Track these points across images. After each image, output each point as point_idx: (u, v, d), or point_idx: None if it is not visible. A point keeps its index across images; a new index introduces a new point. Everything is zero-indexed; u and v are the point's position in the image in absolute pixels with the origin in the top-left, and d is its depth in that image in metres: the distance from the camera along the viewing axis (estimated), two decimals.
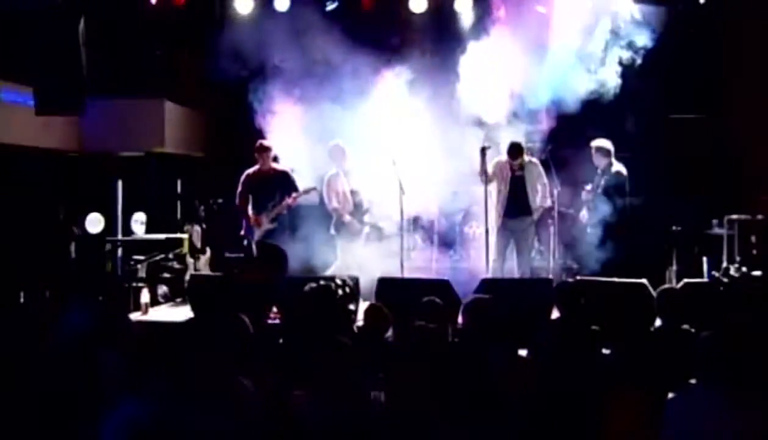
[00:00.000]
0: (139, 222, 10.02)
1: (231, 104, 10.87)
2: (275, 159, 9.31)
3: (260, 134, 9.66)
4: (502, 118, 9.84)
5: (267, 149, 9.17)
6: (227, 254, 10.00)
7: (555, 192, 9.42)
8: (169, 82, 10.88)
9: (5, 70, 9.28)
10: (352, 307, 6.16)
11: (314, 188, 9.24)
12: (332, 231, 9.39)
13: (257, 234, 9.04)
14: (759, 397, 3.25)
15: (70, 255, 9.65)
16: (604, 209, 9.03)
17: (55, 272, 8.68)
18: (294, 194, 9.05)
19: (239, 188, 9.20)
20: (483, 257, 9.08)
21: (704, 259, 9.25)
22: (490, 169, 8.96)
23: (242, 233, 9.22)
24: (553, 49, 9.78)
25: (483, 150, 8.90)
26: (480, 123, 9.88)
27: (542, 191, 9.10)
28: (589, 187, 9.14)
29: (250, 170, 9.18)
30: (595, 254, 9.10)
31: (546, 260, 9.92)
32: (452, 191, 10.37)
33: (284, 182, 9.13)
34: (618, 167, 9.09)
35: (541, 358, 4.18)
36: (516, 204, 8.94)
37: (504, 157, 9.04)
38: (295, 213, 9.43)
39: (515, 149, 8.98)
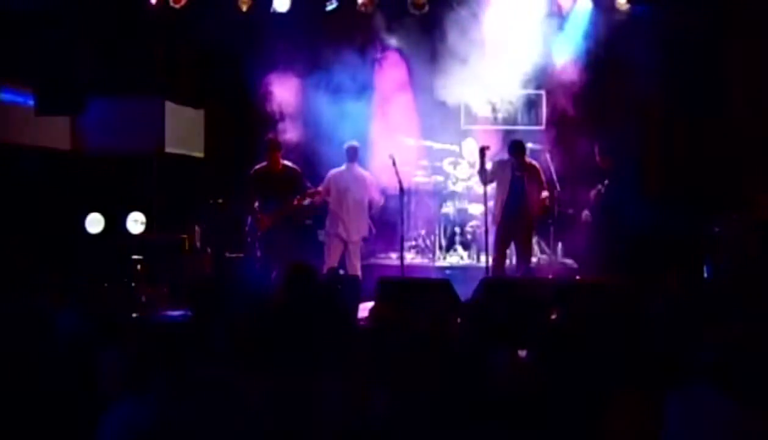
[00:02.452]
0: (135, 222, 10.00)
1: (231, 104, 10.87)
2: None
3: (261, 134, 9.63)
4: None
5: (277, 146, 9.01)
6: (227, 254, 10.01)
7: (555, 193, 9.43)
8: (169, 82, 10.87)
9: (5, 70, 9.27)
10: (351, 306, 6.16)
11: (319, 192, 9.11)
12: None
13: (260, 234, 8.96)
14: (760, 397, 3.24)
15: (70, 256, 9.64)
16: (606, 209, 9.04)
17: (56, 273, 8.66)
18: (300, 198, 8.87)
19: (247, 185, 9.06)
20: (483, 257, 9.08)
21: (704, 259, 9.24)
22: (489, 168, 8.92)
23: (246, 230, 9.14)
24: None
25: (482, 150, 8.87)
26: (480, 121, 9.92)
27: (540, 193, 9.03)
28: (600, 187, 9.12)
29: (259, 167, 8.96)
30: (596, 255, 9.11)
31: (547, 260, 9.93)
32: (452, 190, 10.38)
33: (293, 181, 8.89)
34: (619, 168, 9.11)
35: (541, 359, 4.17)
36: (515, 204, 8.85)
37: (504, 156, 8.99)
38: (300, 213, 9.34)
39: (517, 147, 8.90)
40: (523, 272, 8.89)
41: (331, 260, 9.03)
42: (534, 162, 9.09)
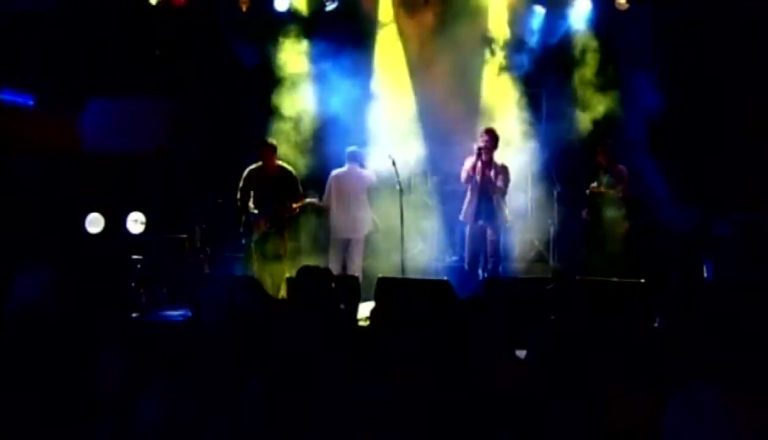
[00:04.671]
0: (135, 221, 9.99)
1: (231, 104, 10.87)
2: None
3: (260, 134, 9.62)
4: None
5: (271, 147, 9.05)
6: (227, 254, 10.01)
7: (555, 192, 9.43)
8: (169, 82, 10.87)
9: (5, 70, 9.27)
10: (344, 306, 6.14)
11: (315, 197, 9.16)
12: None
13: (256, 235, 8.99)
14: (760, 397, 3.24)
15: (71, 255, 9.63)
16: (606, 207, 9.03)
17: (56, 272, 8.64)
18: (296, 204, 8.94)
19: (240, 185, 9.10)
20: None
21: (705, 259, 9.23)
22: (465, 169, 8.88)
23: (241, 230, 9.16)
24: None
25: (480, 151, 8.82)
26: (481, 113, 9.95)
27: (505, 206, 8.95)
28: (595, 184, 9.10)
29: (253, 167, 9.04)
30: (595, 254, 9.10)
31: (545, 259, 9.93)
32: (451, 189, 10.36)
33: (287, 183, 8.97)
34: (619, 166, 9.10)
35: (540, 359, 4.18)
36: (484, 206, 8.80)
37: (474, 155, 8.84)
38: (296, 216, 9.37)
39: (490, 134, 8.83)
40: (493, 266, 8.84)
41: (333, 260, 9.08)
42: (504, 165, 8.98)
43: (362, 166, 9.32)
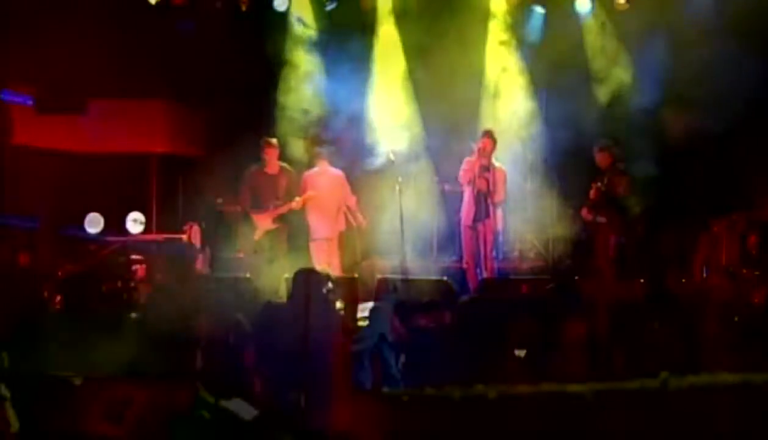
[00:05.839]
0: (135, 221, 9.99)
1: (231, 104, 10.88)
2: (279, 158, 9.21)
3: (261, 132, 9.63)
4: None
5: (273, 147, 9.03)
6: (227, 254, 10.02)
7: (555, 191, 9.42)
8: (169, 82, 10.86)
9: (5, 70, 9.28)
10: (339, 304, 6.16)
11: (315, 195, 9.15)
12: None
13: (257, 234, 8.99)
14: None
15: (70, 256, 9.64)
16: (606, 207, 9.03)
17: (57, 273, 8.66)
18: (298, 199, 8.94)
19: (241, 185, 9.12)
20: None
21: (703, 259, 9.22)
22: (462, 167, 8.88)
23: (241, 230, 9.16)
24: None
25: (478, 152, 8.82)
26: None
27: (499, 211, 8.99)
28: (599, 184, 9.11)
29: (254, 167, 9.06)
30: (595, 254, 9.10)
31: (545, 259, 9.94)
32: (451, 189, 10.37)
33: (289, 183, 9.00)
34: (620, 167, 9.10)
35: (539, 358, 4.20)
36: (482, 206, 8.83)
37: (473, 157, 8.90)
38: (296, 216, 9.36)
39: (487, 136, 8.85)
40: (492, 266, 8.85)
41: (316, 260, 9.04)
42: (503, 168, 9.00)
43: (332, 164, 9.30)
